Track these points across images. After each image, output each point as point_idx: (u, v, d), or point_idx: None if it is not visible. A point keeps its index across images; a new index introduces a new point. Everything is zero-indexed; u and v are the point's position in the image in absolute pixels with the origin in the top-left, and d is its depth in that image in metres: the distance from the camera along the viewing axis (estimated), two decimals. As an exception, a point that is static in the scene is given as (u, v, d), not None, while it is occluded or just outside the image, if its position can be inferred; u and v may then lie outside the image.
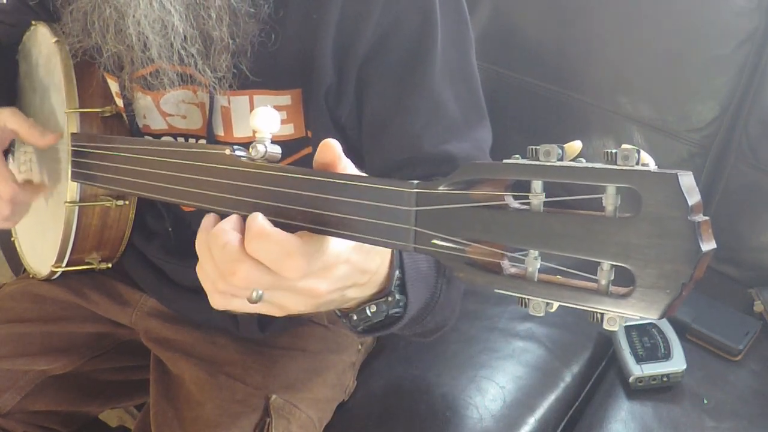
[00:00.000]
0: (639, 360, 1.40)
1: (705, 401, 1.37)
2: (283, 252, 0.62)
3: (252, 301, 0.66)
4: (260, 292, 0.66)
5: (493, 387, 1.36)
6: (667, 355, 1.41)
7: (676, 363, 1.40)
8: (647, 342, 1.44)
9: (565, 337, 1.50)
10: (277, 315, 0.70)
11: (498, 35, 1.84)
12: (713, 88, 1.62)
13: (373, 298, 0.77)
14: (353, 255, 0.67)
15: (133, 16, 0.94)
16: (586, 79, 1.74)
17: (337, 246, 0.65)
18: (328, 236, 0.64)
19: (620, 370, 1.43)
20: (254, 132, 0.72)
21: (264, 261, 0.62)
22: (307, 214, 0.65)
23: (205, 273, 0.68)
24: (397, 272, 0.77)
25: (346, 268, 0.67)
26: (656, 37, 1.64)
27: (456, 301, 0.94)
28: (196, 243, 0.68)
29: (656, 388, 1.39)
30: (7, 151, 1.22)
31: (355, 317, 0.78)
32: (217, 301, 0.69)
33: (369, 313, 0.77)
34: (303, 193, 0.66)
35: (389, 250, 0.75)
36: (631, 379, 1.38)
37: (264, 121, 0.71)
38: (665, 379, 1.38)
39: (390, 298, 0.77)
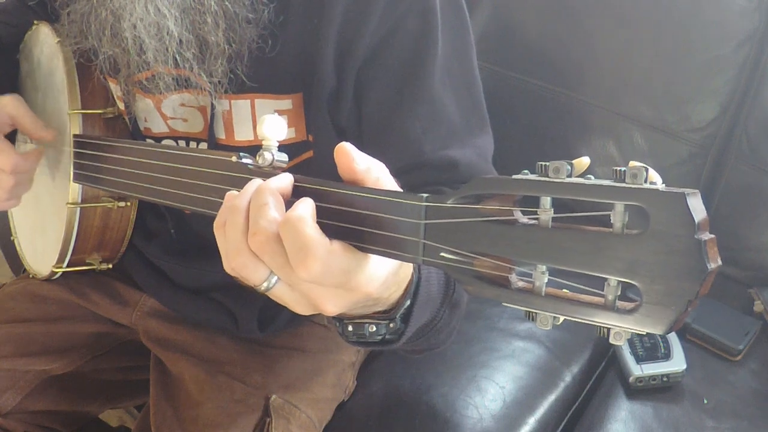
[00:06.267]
0: (639, 360, 1.40)
1: (705, 401, 1.38)
2: (306, 248, 0.60)
3: (261, 291, 0.66)
4: (272, 283, 0.66)
5: (493, 387, 1.36)
6: (667, 355, 1.41)
7: (676, 363, 1.40)
8: (647, 342, 1.44)
9: (565, 337, 1.50)
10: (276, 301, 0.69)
11: (498, 35, 1.84)
12: (713, 88, 1.62)
13: (374, 316, 0.76)
14: (378, 289, 0.67)
15: (129, 20, 0.94)
16: (586, 79, 1.74)
17: (371, 275, 0.64)
18: (367, 260, 0.64)
19: (620, 370, 1.44)
20: (262, 139, 0.72)
21: (287, 248, 0.62)
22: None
23: (229, 224, 0.66)
24: (408, 302, 0.77)
25: (365, 298, 0.67)
26: (656, 37, 1.64)
27: (455, 327, 0.93)
28: (238, 194, 0.67)
29: (656, 388, 1.39)
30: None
31: (350, 328, 0.77)
32: (231, 260, 0.66)
33: (367, 332, 0.76)
34: (310, 202, 0.66)
35: (408, 279, 0.75)
36: (631, 379, 1.39)
37: (272, 128, 0.71)
38: (665, 379, 1.38)
39: (392, 325, 0.76)
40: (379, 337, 0.77)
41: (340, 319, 0.78)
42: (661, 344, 1.43)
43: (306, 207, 0.62)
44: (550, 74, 1.78)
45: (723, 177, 1.68)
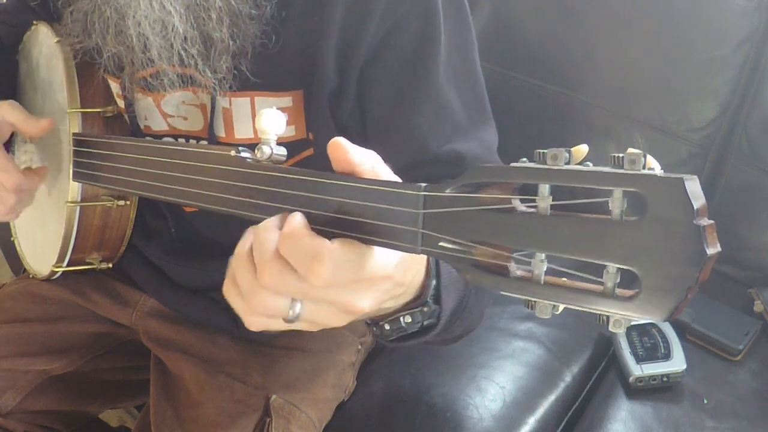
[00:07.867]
0: (639, 360, 1.40)
1: (705, 401, 1.38)
2: (310, 255, 0.59)
3: (288, 320, 0.64)
4: (297, 310, 0.64)
5: (493, 387, 1.36)
6: (667, 355, 1.41)
7: (676, 363, 1.40)
8: (647, 342, 1.44)
9: (565, 337, 1.50)
10: (313, 330, 0.67)
11: (498, 35, 1.84)
12: (713, 88, 1.62)
13: (406, 307, 0.75)
14: (396, 271, 0.65)
15: (134, 17, 0.94)
16: (586, 79, 1.75)
17: (383, 259, 0.63)
18: (373, 248, 0.63)
19: (620, 370, 1.44)
20: (260, 133, 0.72)
21: (293, 263, 0.61)
22: (314, 216, 0.64)
23: (238, 275, 0.65)
24: (433, 281, 0.76)
25: (389, 284, 0.65)
26: (656, 37, 1.65)
27: (484, 305, 0.92)
28: (237, 246, 0.66)
29: (656, 388, 1.39)
30: (8, 149, 1.22)
31: (387, 327, 0.76)
32: (250, 305, 0.65)
33: (404, 324, 0.75)
34: (309, 195, 0.66)
35: (425, 258, 0.74)
36: (631, 379, 1.38)
37: (270, 122, 0.71)
38: (665, 379, 1.38)
39: (425, 309, 0.76)
40: (418, 325, 0.77)
41: (376, 323, 0.77)
42: (661, 344, 1.43)
43: (297, 221, 0.61)
44: (550, 74, 1.78)
45: (723, 177, 1.68)
